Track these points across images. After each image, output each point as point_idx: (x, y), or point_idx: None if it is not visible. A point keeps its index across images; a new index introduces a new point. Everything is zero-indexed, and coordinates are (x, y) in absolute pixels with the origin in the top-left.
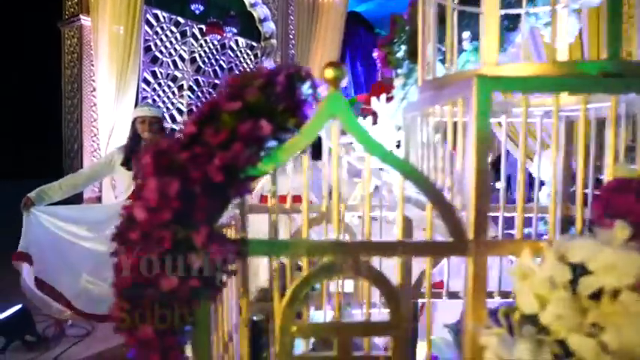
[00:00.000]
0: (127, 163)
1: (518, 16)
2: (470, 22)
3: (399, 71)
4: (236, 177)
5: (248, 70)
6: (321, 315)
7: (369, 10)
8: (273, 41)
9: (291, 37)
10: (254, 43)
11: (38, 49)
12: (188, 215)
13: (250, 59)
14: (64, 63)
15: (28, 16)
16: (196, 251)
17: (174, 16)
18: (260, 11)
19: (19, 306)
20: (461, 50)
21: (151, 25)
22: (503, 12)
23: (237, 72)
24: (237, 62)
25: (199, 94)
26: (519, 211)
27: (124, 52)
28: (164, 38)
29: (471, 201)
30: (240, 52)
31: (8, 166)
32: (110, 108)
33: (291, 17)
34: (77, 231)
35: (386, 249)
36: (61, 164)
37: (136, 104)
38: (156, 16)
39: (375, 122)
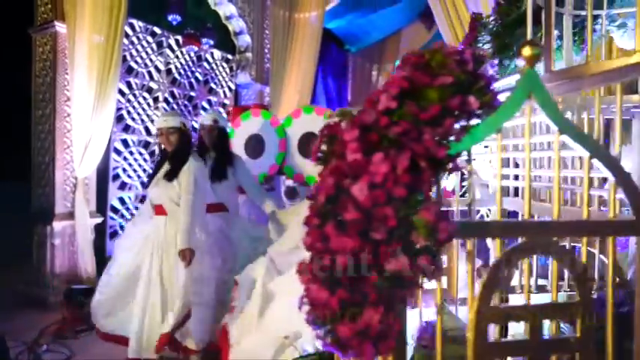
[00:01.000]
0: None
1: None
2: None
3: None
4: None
5: (224, 83)
6: (415, 313)
7: (340, 27)
8: (249, 54)
9: (266, 51)
10: (229, 56)
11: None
12: (412, 191)
13: (226, 72)
14: (34, 71)
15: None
16: (417, 230)
17: (150, 26)
18: (235, 24)
19: None
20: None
21: (126, 35)
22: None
23: (213, 84)
24: (213, 75)
25: (174, 106)
26: None
27: (104, 61)
28: (140, 48)
29: None
30: (216, 64)
31: None
32: (87, 119)
33: (267, 31)
34: None
35: (581, 229)
36: (29, 176)
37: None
38: (132, 26)
39: None
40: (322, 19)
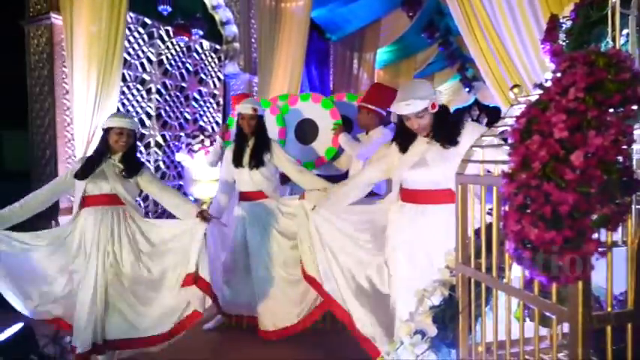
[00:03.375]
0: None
1: None
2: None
3: None
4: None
5: (213, 73)
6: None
7: (321, 16)
8: (236, 44)
9: (253, 40)
10: (217, 46)
11: None
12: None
13: (215, 62)
14: (29, 64)
15: None
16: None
17: (141, 17)
18: (222, 14)
19: (20, 324)
20: None
21: None
22: None
23: (203, 75)
24: (203, 65)
25: (167, 97)
26: None
27: (106, 53)
28: (132, 40)
29: None
30: (205, 54)
31: None
32: (89, 112)
33: (253, 21)
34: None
35: None
36: (26, 172)
37: (117, 110)
38: None
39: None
40: (309, 9)
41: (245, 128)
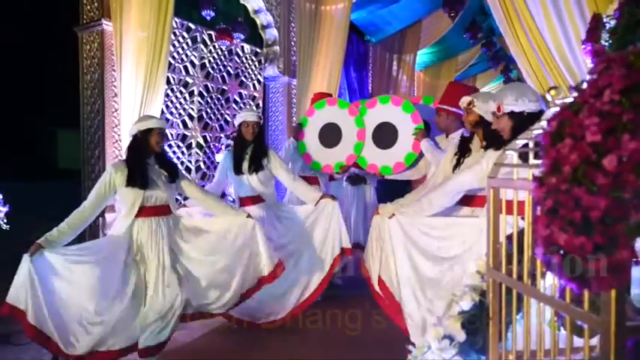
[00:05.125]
0: (143, 184)
1: None
2: None
3: None
4: None
5: (253, 76)
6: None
7: (360, 18)
8: (276, 48)
9: (292, 43)
10: (258, 50)
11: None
12: None
13: (255, 65)
14: (82, 68)
15: (43, 20)
16: None
17: (185, 22)
18: (263, 18)
19: None
20: None
21: None
22: None
23: (243, 78)
24: (243, 68)
25: (208, 99)
26: None
27: (152, 57)
28: (176, 44)
29: None
30: (246, 58)
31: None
32: (135, 114)
33: (292, 24)
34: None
35: None
36: (79, 170)
37: (162, 112)
38: None
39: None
40: (349, 11)
41: (247, 135)
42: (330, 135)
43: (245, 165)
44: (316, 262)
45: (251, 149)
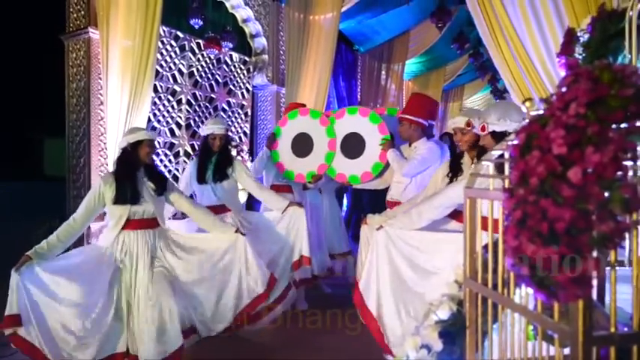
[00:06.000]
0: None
1: None
2: None
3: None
4: None
5: (242, 84)
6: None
7: (349, 28)
8: (265, 56)
9: (281, 52)
10: (247, 58)
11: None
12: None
13: (243, 74)
14: (68, 76)
15: (29, 28)
16: (614, 203)
17: (173, 30)
18: (252, 27)
19: None
20: None
21: None
22: None
23: (232, 86)
24: (232, 76)
25: (197, 107)
26: None
27: (138, 66)
28: (164, 52)
29: None
30: (234, 66)
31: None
32: (121, 122)
33: (281, 33)
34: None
35: None
36: (64, 177)
37: (149, 120)
38: None
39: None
40: (338, 21)
41: (214, 147)
42: (303, 145)
43: (209, 174)
44: (278, 267)
45: (215, 158)
